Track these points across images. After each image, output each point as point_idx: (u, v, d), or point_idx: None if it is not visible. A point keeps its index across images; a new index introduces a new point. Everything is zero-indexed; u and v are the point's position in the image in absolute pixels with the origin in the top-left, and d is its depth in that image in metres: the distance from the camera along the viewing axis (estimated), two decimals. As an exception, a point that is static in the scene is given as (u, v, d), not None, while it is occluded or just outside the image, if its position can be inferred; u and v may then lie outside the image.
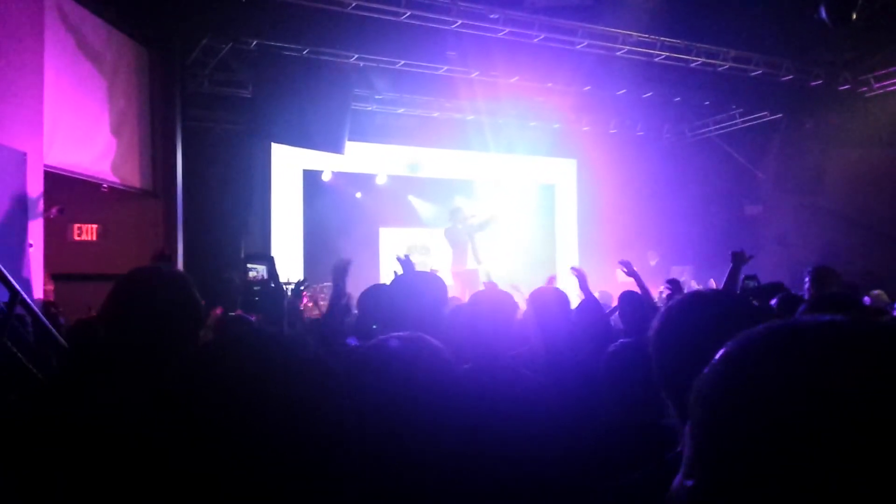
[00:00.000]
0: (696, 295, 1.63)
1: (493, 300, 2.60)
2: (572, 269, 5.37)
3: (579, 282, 5.10)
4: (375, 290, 3.38)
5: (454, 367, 1.62)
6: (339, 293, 3.27)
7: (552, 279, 7.83)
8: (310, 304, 8.83)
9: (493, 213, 11.09)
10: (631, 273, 5.46)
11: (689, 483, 0.66)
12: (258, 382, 1.05)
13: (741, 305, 1.62)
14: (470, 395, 2.07)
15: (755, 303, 4.37)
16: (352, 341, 2.96)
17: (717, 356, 0.68)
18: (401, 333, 1.62)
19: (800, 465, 0.57)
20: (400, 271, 3.25)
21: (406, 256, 3.22)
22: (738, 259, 4.47)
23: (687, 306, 1.54)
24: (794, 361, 0.62)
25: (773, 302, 4.08)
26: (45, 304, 5.76)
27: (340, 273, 3.38)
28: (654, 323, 1.51)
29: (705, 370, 0.68)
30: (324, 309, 8.48)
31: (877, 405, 0.57)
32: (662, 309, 1.56)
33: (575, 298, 5.18)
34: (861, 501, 0.55)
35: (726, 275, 4.55)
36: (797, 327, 0.65)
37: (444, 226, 11.31)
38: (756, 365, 0.64)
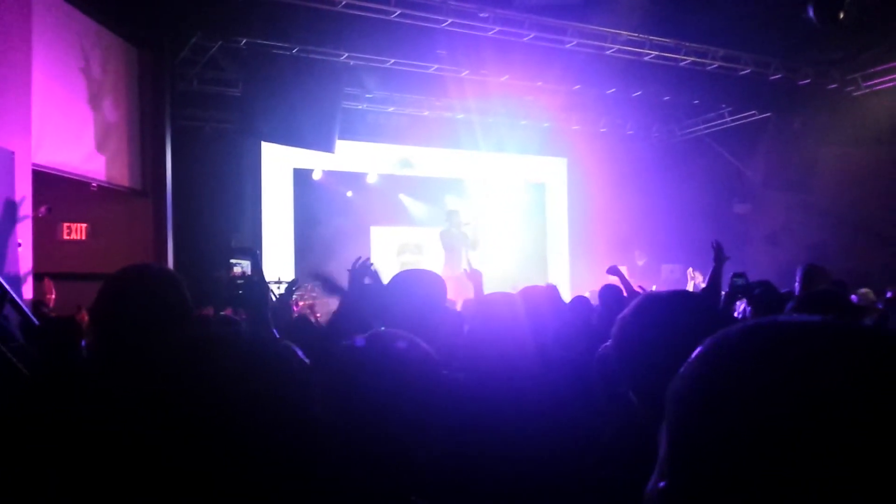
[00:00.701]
0: (647, 298, 1.63)
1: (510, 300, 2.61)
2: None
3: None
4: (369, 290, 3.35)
5: (440, 367, 1.62)
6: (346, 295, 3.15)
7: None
8: (306, 311, 8.83)
9: (478, 235, 11.04)
10: (616, 275, 5.54)
11: (662, 484, 0.65)
12: (217, 381, 1.06)
13: (693, 304, 1.63)
14: (460, 394, 2.08)
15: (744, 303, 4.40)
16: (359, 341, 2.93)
17: (693, 356, 0.67)
18: (393, 330, 1.63)
19: (773, 466, 0.57)
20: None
21: (366, 263, 3.03)
22: (720, 254, 4.48)
23: (640, 312, 1.54)
24: (769, 362, 0.61)
25: (755, 293, 4.12)
26: (35, 304, 5.73)
27: (327, 283, 3.29)
28: (613, 330, 1.52)
29: (681, 370, 0.67)
30: (319, 316, 8.47)
31: (852, 407, 0.57)
32: (618, 318, 1.57)
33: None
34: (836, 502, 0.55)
35: (709, 273, 4.58)
36: (772, 327, 0.65)
37: (437, 226, 11.32)
38: (730, 365, 0.63)
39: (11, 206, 5.83)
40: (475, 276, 4.64)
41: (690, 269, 11.76)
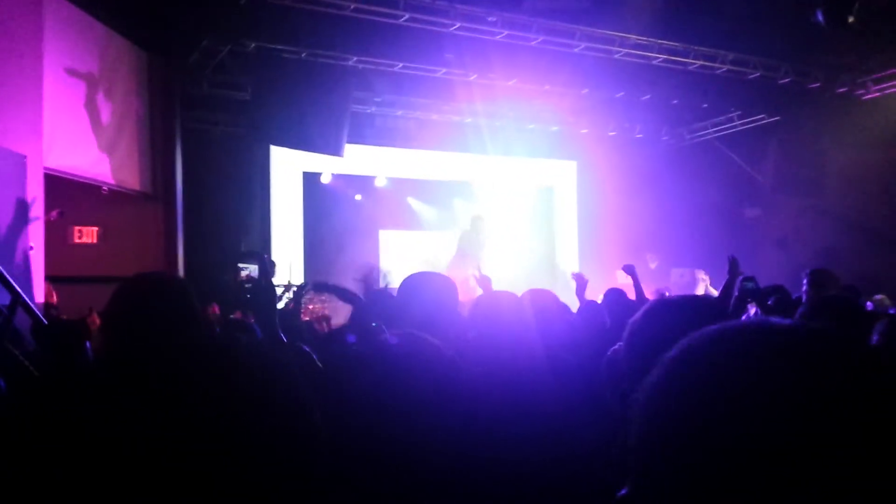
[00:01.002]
0: (658, 302, 1.64)
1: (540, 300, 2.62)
2: (573, 274, 5.38)
3: (577, 287, 5.12)
4: (382, 294, 3.37)
5: (456, 368, 1.63)
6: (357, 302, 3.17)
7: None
8: (318, 319, 8.82)
9: (490, 240, 11.06)
10: (632, 274, 5.49)
11: (623, 492, 0.65)
12: (223, 386, 1.07)
13: (704, 308, 1.63)
14: (471, 396, 2.08)
15: (752, 307, 4.39)
16: (351, 338, 2.95)
17: (659, 364, 0.67)
18: (399, 331, 1.63)
19: (733, 475, 0.57)
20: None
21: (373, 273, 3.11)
22: (735, 267, 4.49)
23: (650, 316, 1.54)
24: (733, 368, 0.61)
25: (769, 303, 4.09)
26: (47, 307, 5.77)
27: (338, 291, 3.28)
28: (625, 334, 1.53)
29: (649, 377, 0.67)
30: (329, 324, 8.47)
31: (816, 412, 0.56)
32: (629, 322, 1.57)
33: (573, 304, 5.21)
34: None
35: (723, 284, 4.57)
36: (736, 333, 0.65)
37: (445, 229, 11.33)
38: (693, 373, 0.63)
39: (23, 210, 5.87)
40: (485, 282, 4.65)
41: (701, 272, 11.71)
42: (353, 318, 3.13)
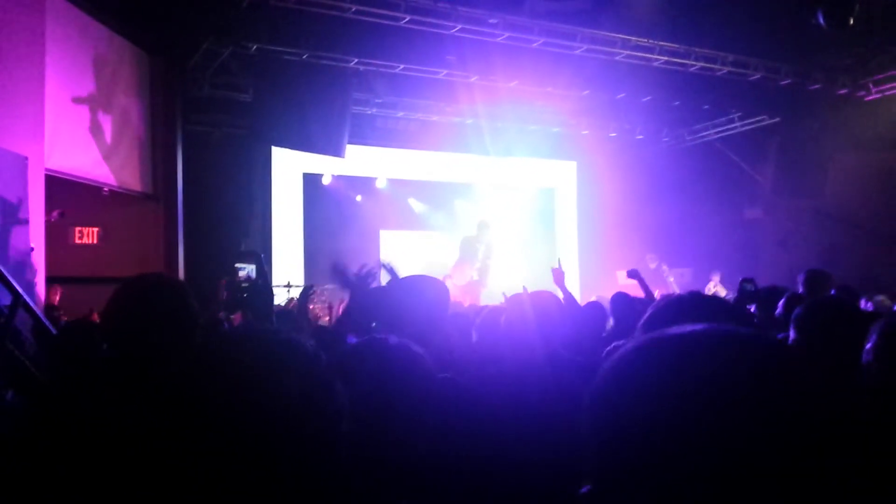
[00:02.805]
0: (675, 298, 1.65)
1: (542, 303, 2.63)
2: (552, 269, 5.36)
3: (556, 279, 5.13)
4: (375, 292, 3.36)
5: (433, 373, 1.63)
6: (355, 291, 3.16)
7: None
8: (322, 312, 8.84)
9: (496, 247, 11.06)
10: (637, 278, 5.48)
11: (584, 489, 0.70)
12: (252, 382, 1.07)
13: (721, 309, 1.65)
14: (458, 398, 2.09)
15: (751, 308, 4.39)
16: (351, 339, 2.96)
17: (600, 371, 0.73)
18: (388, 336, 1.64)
19: (660, 471, 0.61)
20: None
21: (390, 265, 3.18)
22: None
23: (666, 311, 1.55)
24: (655, 371, 0.66)
25: (780, 303, 4.07)
26: (48, 308, 5.78)
27: (342, 277, 3.29)
28: (638, 327, 1.53)
29: (593, 384, 0.73)
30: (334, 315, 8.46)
31: (740, 411, 0.61)
32: (644, 318, 1.59)
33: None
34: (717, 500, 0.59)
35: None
36: (662, 342, 0.70)
37: (445, 230, 11.34)
38: (625, 381, 0.69)
39: (24, 211, 5.88)
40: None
41: (715, 275, 11.67)
42: (347, 311, 3.14)
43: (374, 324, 3.01)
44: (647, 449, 0.62)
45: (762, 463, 0.58)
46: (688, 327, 0.70)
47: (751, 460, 0.58)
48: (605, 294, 9.41)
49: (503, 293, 4.48)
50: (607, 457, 0.67)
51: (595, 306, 5.28)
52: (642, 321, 1.59)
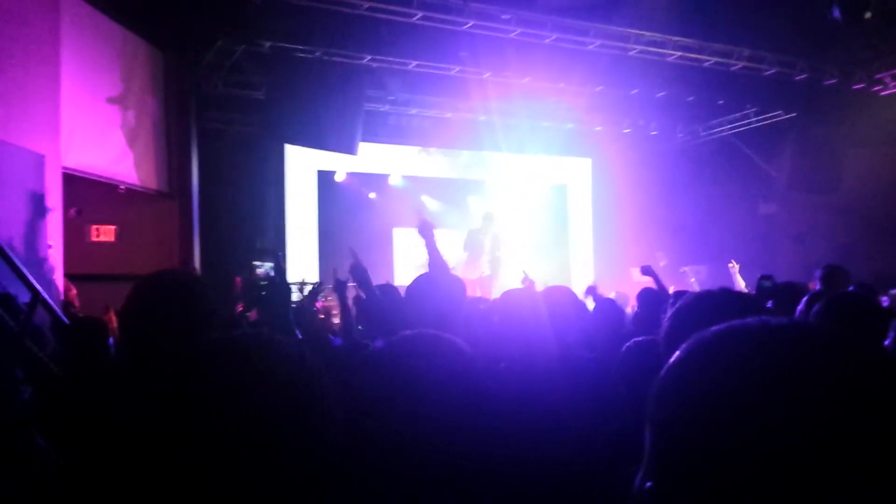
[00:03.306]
0: (704, 293, 1.65)
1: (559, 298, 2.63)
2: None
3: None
4: (389, 289, 3.37)
5: (475, 364, 1.64)
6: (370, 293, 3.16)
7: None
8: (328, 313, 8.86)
9: (505, 240, 11.03)
10: (651, 275, 5.47)
11: (648, 485, 0.67)
12: (235, 387, 1.08)
13: (746, 302, 1.64)
14: (490, 391, 2.09)
15: (769, 304, 4.36)
16: (337, 341, 2.94)
17: (673, 359, 0.69)
18: (412, 331, 1.64)
19: (753, 467, 0.59)
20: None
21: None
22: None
23: (694, 305, 1.55)
24: (746, 365, 0.63)
25: (803, 300, 4.04)
26: (66, 305, 5.83)
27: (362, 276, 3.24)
28: (664, 324, 1.53)
29: (662, 372, 0.69)
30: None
31: (828, 410, 0.58)
32: (671, 310, 1.59)
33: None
34: (809, 496, 0.57)
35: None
36: (748, 330, 0.67)
37: (458, 227, 11.33)
38: (708, 368, 0.65)
39: (42, 209, 5.93)
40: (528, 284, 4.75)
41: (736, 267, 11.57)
42: (361, 309, 3.14)
43: (359, 327, 3.02)
44: (726, 442, 0.60)
45: (847, 458, 0.57)
46: (766, 318, 0.68)
47: (837, 455, 0.57)
48: (621, 291, 9.40)
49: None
50: (678, 451, 0.64)
51: (609, 303, 5.26)
52: (669, 315, 1.59)
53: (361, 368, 1.46)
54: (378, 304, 3.01)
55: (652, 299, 4.90)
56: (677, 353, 0.69)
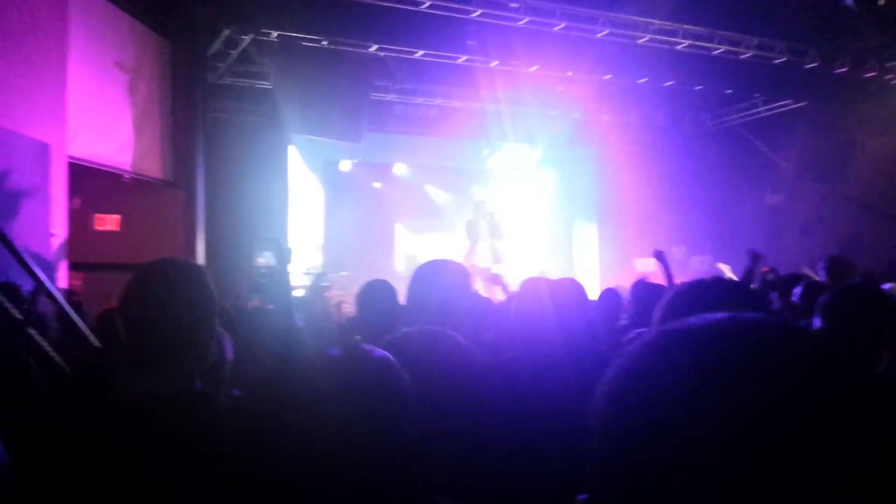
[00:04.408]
0: (696, 282, 1.63)
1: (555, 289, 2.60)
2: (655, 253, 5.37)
3: (493, 284, 5.10)
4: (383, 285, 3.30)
5: (474, 358, 1.62)
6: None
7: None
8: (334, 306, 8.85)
9: (504, 225, 10.96)
10: (662, 261, 5.40)
11: (583, 497, 0.64)
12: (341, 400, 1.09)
13: (739, 291, 1.62)
14: (491, 386, 2.07)
15: (774, 294, 4.33)
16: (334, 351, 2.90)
17: (620, 360, 0.65)
18: (413, 328, 1.63)
19: (686, 481, 0.55)
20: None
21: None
22: (756, 259, 4.46)
23: (687, 293, 1.53)
24: (671, 367, 0.59)
25: (796, 290, 4.02)
26: (68, 293, 5.83)
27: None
28: (656, 313, 1.51)
29: (601, 386, 0.65)
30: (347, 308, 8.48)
31: (765, 408, 0.54)
32: (665, 299, 1.56)
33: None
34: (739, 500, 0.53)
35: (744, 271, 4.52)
36: (676, 335, 0.63)
37: (464, 217, 11.31)
38: (636, 380, 0.62)
39: (46, 197, 5.93)
40: (496, 280, 4.63)
41: (724, 266, 11.56)
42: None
43: (357, 336, 2.98)
44: (662, 453, 0.56)
45: (789, 464, 0.52)
46: (707, 317, 0.63)
47: (777, 461, 0.52)
48: (623, 283, 9.37)
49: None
50: (615, 462, 0.60)
51: (611, 294, 5.23)
52: (661, 306, 1.57)
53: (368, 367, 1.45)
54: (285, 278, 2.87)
55: (646, 290, 4.86)
56: (622, 356, 0.65)
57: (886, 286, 6.13)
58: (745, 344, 0.59)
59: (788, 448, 0.53)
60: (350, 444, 1.15)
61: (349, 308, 9.45)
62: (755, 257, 4.43)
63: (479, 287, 8.69)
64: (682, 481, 0.55)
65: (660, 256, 5.50)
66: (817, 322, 2.28)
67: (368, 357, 1.27)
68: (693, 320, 0.64)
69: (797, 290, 3.96)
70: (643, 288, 4.85)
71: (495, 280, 4.71)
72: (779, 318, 0.63)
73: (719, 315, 0.63)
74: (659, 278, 5.43)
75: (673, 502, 0.55)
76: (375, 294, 3.13)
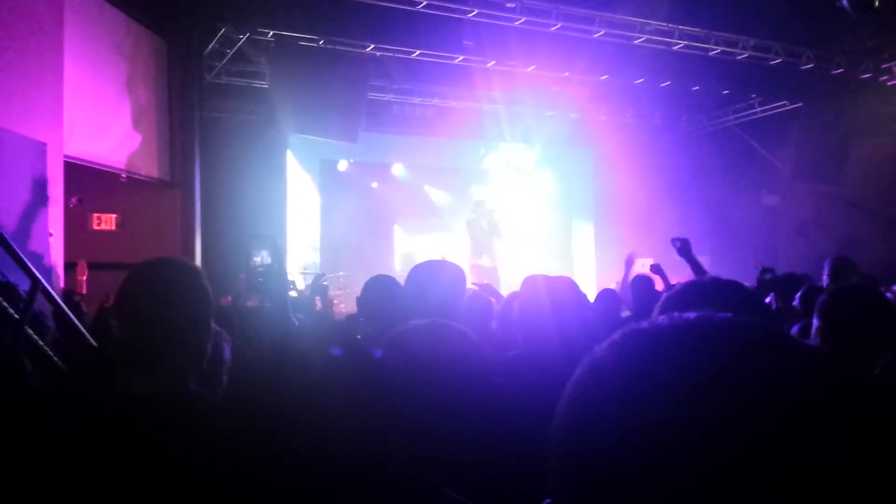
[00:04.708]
0: (693, 282, 1.63)
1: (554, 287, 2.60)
2: (652, 267, 5.38)
3: (662, 278, 5.09)
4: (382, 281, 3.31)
5: (483, 352, 1.63)
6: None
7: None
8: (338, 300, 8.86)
9: (503, 224, 10.96)
10: (660, 275, 5.41)
11: (547, 501, 0.61)
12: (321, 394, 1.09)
13: (736, 292, 1.62)
14: (502, 381, 2.08)
15: (771, 296, 4.33)
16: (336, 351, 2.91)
17: (588, 359, 0.63)
18: (421, 321, 1.63)
19: (646, 486, 0.52)
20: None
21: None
22: (685, 248, 4.30)
23: (683, 294, 1.53)
24: (628, 370, 0.57)
25: (798, 295, 4.01)
26: (67, 293, 5.82)
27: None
28: (654, 313, 1.51)
29: (565, 391, 0.63)
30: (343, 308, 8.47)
31: (729, 413, 0.52)
32: (663, 298, 1.57)
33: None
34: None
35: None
36: (638, 336, 0.61)
37: (462, 216, 11.31)
38: (597, 384, 0.59)
39: (43, 197, 5.92)
40: (488, 290, 4.60)
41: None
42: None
43: (357, 336, 2.99)
44: (616, 462, 0.54)
45: (750, 469, 0.50)
46: (676, 316, 0.60)
47: (738, 466, 0.50)
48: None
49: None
50: (573, 465, 0.57)
51: (608, 294, 5.25)
52: (658, 306, 1.57)
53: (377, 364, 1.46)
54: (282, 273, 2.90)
55: (645, 287, 4.87)
56: (590, 356, 0.63)
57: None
58: (710, 344, 0.57)
59: (750, 453, 0.50)
60: (349, 443, 1.15)
61: (344, 307, 9.47)
62: (683, 245, 4.34)
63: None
64: (639, 485, 0.53)
65: (657, 270, 5.53)
66: (816, 322, 2.28)
67: (369, 357, 1.27)
68: (661, 320, 0.61)
69: (798, 296, 3.96)
70: (642, 283, 4.85)
71: (487, 290, 4.69)
72: (753, 319, 0.61)
73: (689, 315, 0.61)
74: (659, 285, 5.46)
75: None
76: (380, 288, 3.13)
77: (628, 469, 0.53)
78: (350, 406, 1.16)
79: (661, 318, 0.62)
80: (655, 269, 5.53)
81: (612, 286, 7.71)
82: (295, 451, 1.14)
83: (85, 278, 6.61)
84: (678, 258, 3.94)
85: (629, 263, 5.93)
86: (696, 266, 4.35)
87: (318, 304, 5.34)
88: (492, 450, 1.58)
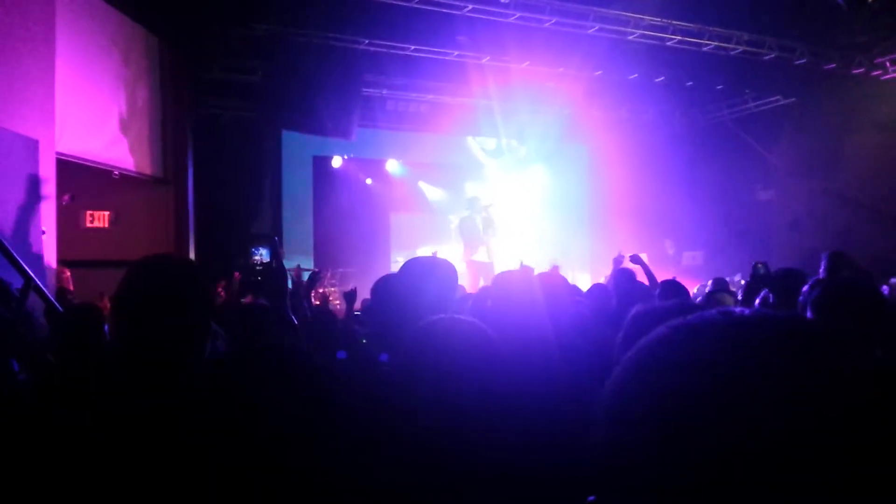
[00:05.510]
0: (654, 308, 1.64)
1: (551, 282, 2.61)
2: (631, 257, 5.55)
3: (643, 268, 5.24)
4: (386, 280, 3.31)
5: (501, 347, 1.65)
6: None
7: (556, 268, 7.91)
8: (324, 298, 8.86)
9: (498, 220, 10.97)
10: (640, 263, 5.52)
11: (591, 498, 0.62)
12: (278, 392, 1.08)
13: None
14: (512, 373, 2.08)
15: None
16: (341, 354, 2.92)
17: (617, 369, 0.64)
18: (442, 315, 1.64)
19: (701, 479, 0.53)
20: None
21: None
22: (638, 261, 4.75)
23: (645, 317, 1.54)
24: (688, 369, 0.58)
25: (804, 289, 4.00)
26: (60, 291, 5.80)
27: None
28: (624, 325, 1.52)
29: (608, 383, 0.64)
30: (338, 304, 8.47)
31: (779, 407, 0.53)
32: (629, 316, 1.59)
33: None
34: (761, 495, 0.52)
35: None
36: (687, 331, 0.61)
37: (456, 212, 11.31)
38: (650, 377, 0.60)
39: (36, 194, 5.89)
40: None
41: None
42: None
43: (363, 340, 2.99)
44: (667, 448, 0.55)
45: (792, 459, 0.52)
46: (730, 310, 0.62)
47: (782, 457, 0.52)
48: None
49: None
50: (623, 458, 0.58)
51: (600, 289, 5.25)
52: (626, 323, 1.58)
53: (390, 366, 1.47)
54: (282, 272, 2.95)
55: (627, 282, 4.89)
56: (630, 352, 0.64)
57: (894, 281, 6.16)
58: (745, 339, 0.58)
59: (793, 443, 0.52)
60: (348, 442, 1.15)
61: (338, 303, 9.46)
62: (760, 265, 4.44)
63: (477, 282, 8.69)
64: (689, 475, 0.54)
65: (636, 260, 5.64)
66: (809, 316, 2.28)
67: (373, 362, 1.28)
68: (711, 312, 0.62)
69: (804, 289, 3.94)
70: (625, 278, 4.88)
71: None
72: (778, 313, 0.62)
73: (742, 309, 0.62)
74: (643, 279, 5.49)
75: (681, 498, 0.54)
76: (391, 286, 3.14)
77: (675, 459, 0.54)
78: (350, 409, 1.17)
79: (711, 312, 0.63)
80: (634, 259, 5.66)
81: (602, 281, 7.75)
82: (280, 455, 1.14)
83: (67, 275, 6.59)
84: (669, 253, 4.02)
85: (617, 263, 6.12)
86: (649, 273, 5.07)
87: (316, 301, 5.36)
88: (510, 442, 1.61)
